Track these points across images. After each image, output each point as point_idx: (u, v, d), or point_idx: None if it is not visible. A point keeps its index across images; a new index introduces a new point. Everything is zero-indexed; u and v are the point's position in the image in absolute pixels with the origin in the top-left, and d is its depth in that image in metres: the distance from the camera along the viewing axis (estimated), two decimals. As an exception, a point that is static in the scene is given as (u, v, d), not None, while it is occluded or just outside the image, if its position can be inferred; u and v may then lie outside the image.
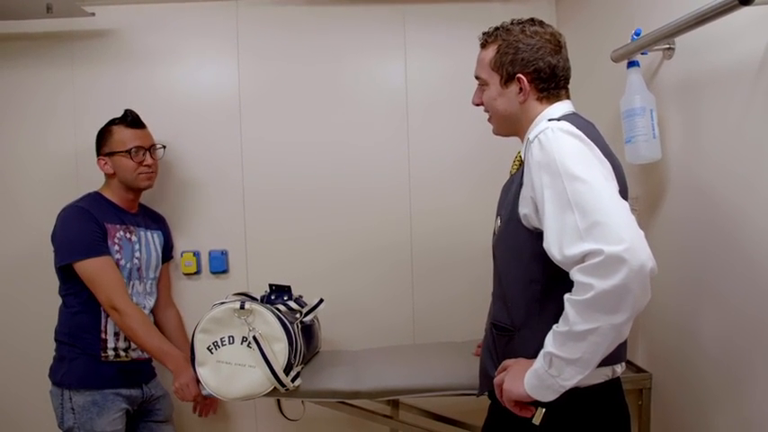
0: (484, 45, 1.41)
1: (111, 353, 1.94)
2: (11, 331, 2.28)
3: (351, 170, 2.35)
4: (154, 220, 2.20)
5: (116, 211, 2.02)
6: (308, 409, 2.06)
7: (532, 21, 1.37)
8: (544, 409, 1.19)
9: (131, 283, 2.01)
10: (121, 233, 2.00)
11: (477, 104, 1.47)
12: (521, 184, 1.28)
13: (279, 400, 2.06)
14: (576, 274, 1.10)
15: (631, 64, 1.61)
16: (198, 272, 2.31)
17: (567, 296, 1.12)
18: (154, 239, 2.14)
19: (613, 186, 1.16)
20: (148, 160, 2.03)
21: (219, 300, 1.82)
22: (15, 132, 2.27)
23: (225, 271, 2.33)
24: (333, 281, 2.33)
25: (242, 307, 1.73)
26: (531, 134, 1.26)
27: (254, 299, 1.93)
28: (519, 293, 1.31)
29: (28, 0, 1.95)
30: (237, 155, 2.32)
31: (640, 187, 1.79)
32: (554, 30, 1.37)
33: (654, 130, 1.56)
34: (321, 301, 2.00)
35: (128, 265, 1.99)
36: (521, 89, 1.35)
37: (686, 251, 1.58)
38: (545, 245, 1.17)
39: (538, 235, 1.21)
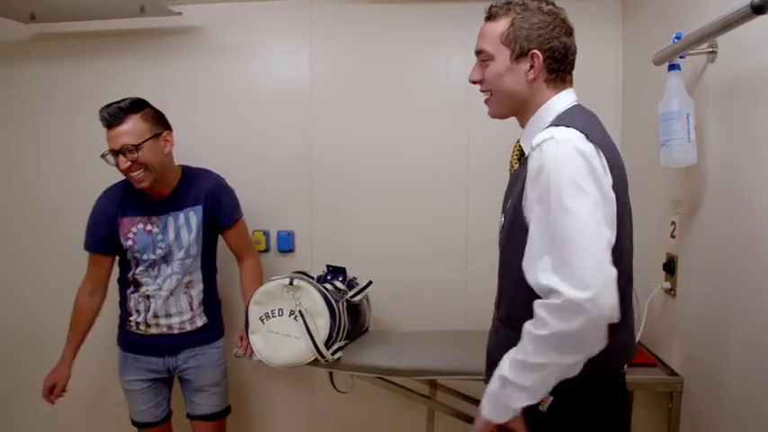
0: (492, 17, 1.33)
1: (133, 324, 2.09)
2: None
3: (412, 162, 2.45)
4: (193, 195, 2.09)
5: (141, 201, 2.04)
6: (357, 385, 2.21)
7: (546, 0, 1.32)
8: (552, 397, 1.23)
9: (157, 267, 2.04)
10: (140, 226, 2.02)
11: (475, 82, 1.38)
12: (523, 187, 1.25)
13: (331, 374, 2.23)
14: (536, 307, 1.12)
15: (672, 67, 1.60)
16: (267, 249, 2.51)
17: (526, 325, 1.15)
18: (188, 220, 2.06)
19: (603, 215, 1.13)
20: (121, 164, 1.91)
21: (277, 276, 2.01)
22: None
23: (291, 250, 2.52)
24: (389, 266, 2.44)
25: (291, 283, 1.91)
26: (535, 140, 1.22)
27: (310, 277, 2.07)
28: (525, 294, 1.26)
29: (122, 2, 2.20)
30: (307, 145, 2.48)
31: (683, 191, 1.77)
32: (566, 15, 1.33)
33: (689, 135, 1.55)
34: (370, 282, 2.15)
35: (144, 256, 2.03)
36: (531, 66, 1.29)
37: (724, 258, 1.55)
38: (522, 262, 1.18)
39: None
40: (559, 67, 1.31)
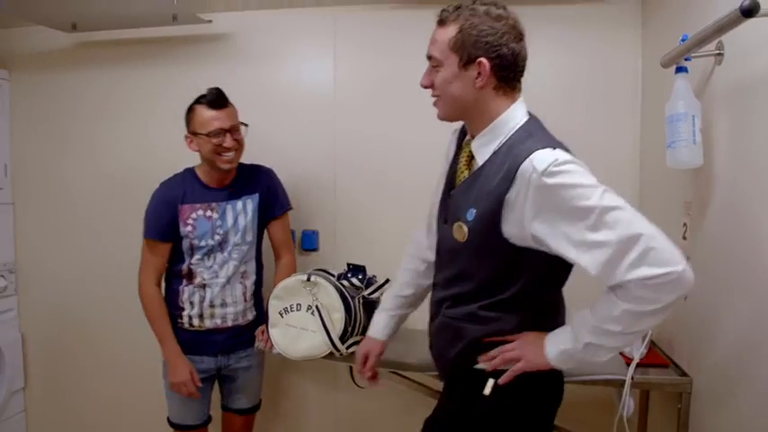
0: (442, 23, 1.33)
1: (186, 320, 2.11)
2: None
3: (434, 165, 2.42)
4: (250, 185, 2.17)
5: (201, 190, 2.11)
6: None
7: (496, 4, 1.31)
8: (494, 380, 1.32)
9: (213, 255, 2.10)
10: (200, 212, 2.08)
11: (426, 86, 1.38)
12: (500, 203, 1.27)
13: (351, 369, 2.29)
14: (639, 289, 1.16)
15: (679, 69, 1.61)
16: (291, 248, 2.60)
17: (624, 306, 1.19)
18: (245, 206, 2.14)
19: None
20: (228, 142, 2.01)
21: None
22: (145, 124, 2.66)
23: (315, 249, 2.60)
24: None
25: (308, 279, 1.99)
26: (538, 165, 1.21)
27: (330, 274, 2.14)
28: (501, 292, 1.36)
29: (157, 11, 2.31)
30: (331, 148, 2.56)
31: (693, 193, 1.77)
32: (516, 18, 1.32)
33: (695, 136, 1.56)
34: (387, 281, 2.20)
35: (202, 243, 2.08)
36: (479, 74, 1.29)
37: (731, 260, 1.55)
38: (592, 272, 1.19)
39: (532, 252, 1.28)
40: (508, 75, 1.31)
